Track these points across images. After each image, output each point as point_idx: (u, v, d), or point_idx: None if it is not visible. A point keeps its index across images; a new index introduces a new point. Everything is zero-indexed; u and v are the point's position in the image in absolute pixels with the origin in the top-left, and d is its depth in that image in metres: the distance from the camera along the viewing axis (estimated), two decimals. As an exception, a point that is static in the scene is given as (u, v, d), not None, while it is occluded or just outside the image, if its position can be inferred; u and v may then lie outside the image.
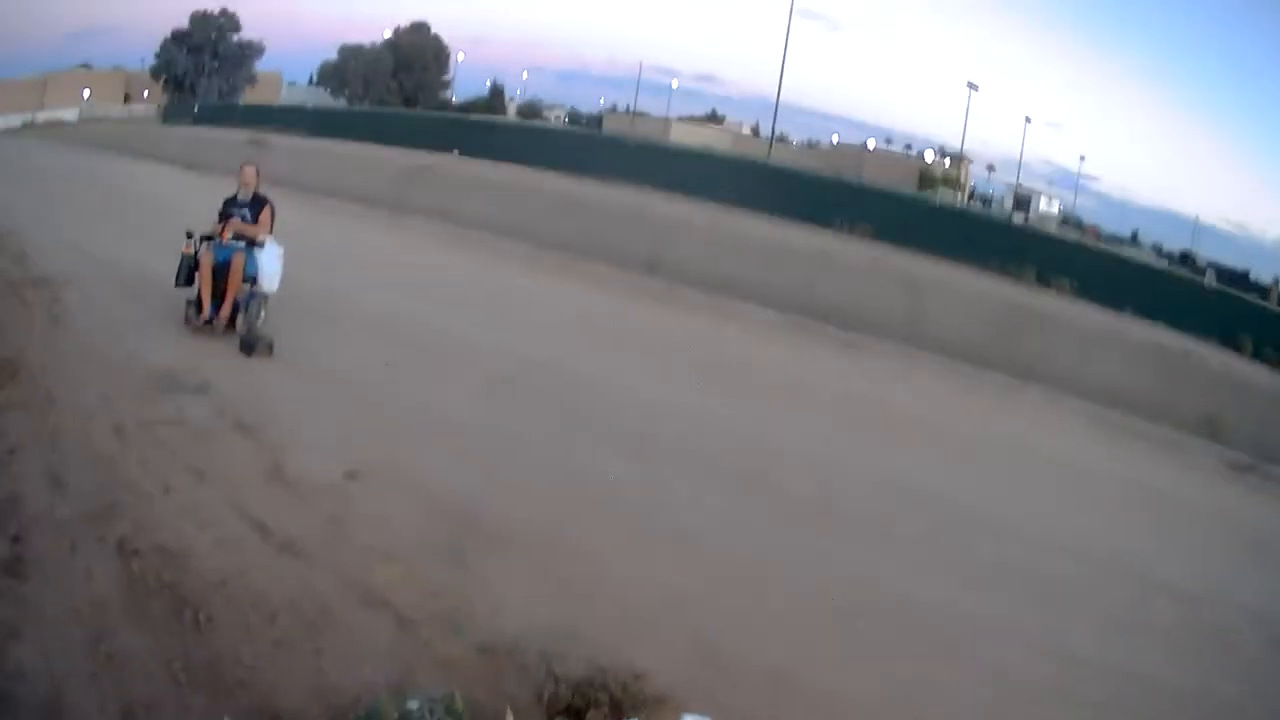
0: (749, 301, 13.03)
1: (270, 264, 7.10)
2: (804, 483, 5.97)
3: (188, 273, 7.09)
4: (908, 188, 41.67)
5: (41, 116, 45.00)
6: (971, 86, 53.70)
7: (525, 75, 72.31)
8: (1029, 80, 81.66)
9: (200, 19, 47.43)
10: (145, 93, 49.78)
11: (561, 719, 2.91)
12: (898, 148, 60.97)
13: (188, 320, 7.09)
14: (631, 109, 59.67)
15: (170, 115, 42.03)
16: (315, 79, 51.98)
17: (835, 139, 63.97)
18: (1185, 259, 35.26)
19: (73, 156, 26.17)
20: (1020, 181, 56.89)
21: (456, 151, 25.81)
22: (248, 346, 6.71)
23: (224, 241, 7.11)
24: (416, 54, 48.88)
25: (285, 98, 49.86)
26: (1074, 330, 13.65)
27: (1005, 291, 15.95)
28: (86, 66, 54.14)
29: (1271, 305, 22.06)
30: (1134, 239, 51.15)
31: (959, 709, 3.61)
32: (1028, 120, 56.71)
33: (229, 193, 7.47)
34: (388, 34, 49.88)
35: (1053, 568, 5.40)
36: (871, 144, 60.51)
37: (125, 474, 4.28)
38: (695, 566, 4.39)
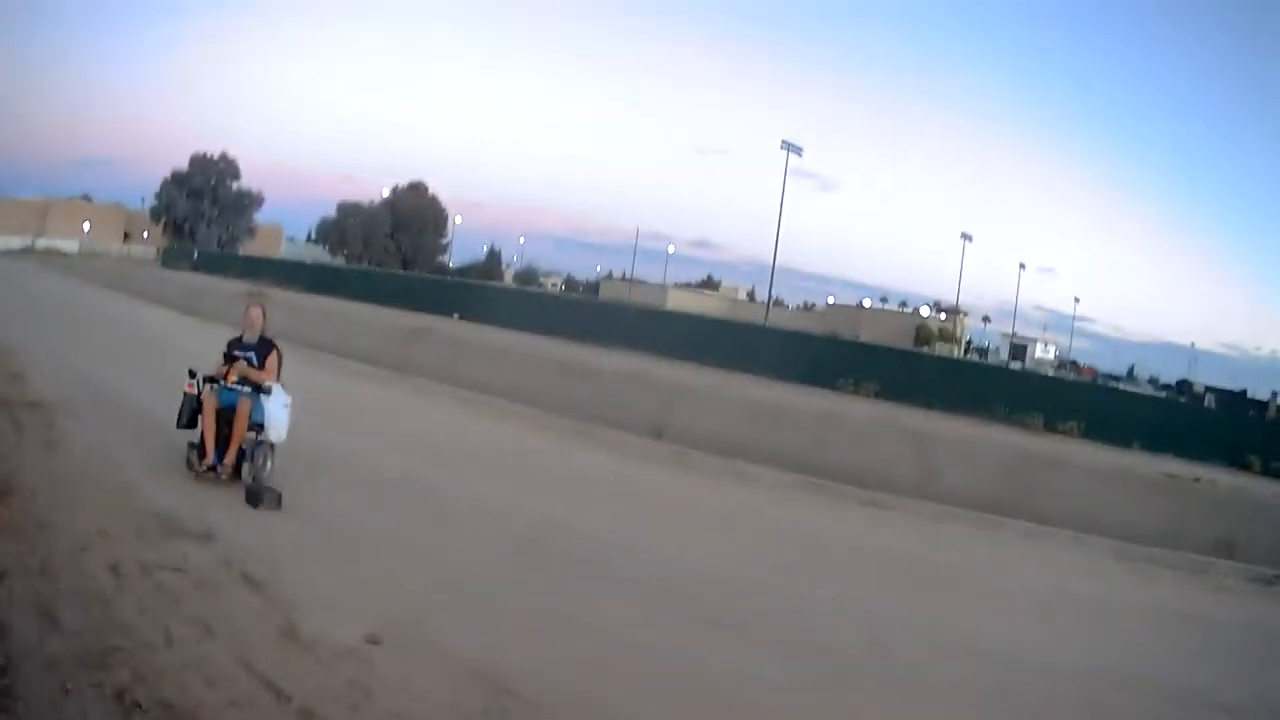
0: (761, 464, 12.85)
1: (277, 412, 6.65)
2: (853, 640, 5.59)
3: (190, 414, 6.62)
4: (905, 344, 42.39)
5: (42, 243, 45.52)
6: (965, 238, 55.78)
7: (522, 241, 74.65)
8: (1020, 227, 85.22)
9: (200, 162, 48.37)
10: (145, 234, 50.54)
11: None
12: (892, 305, 62.74)
13: (190, 465, 6.64)
14: (628, 275, 61.60)
15: (170, 259, 42.43)
16: (314, 235, 52.99)
17: (830, 300, 65.79)
18: (1182, 387, 35.61)
19: (74, 287, 26.57)
20: (1015, 330, 58.27)
21: (456, 315, 26.26)
22: (254, 497, 6.20)
23: (228, 384, 6.85)
24: (414, 214, 50.08)
25: (284, 252, 50.77)
26: (1086, 471, 13.48)
27: (1014, 439, 15.88)
28: (87, 197, 55.33)
29: (1274, 417, 22.17)
30: (1130, 374, 51.92)
31: None
32: (1021, 267, 57.91)
33: (233, 334, 7.18)
34: (386, 193, 51.12)
35: (1123, 704, 5.23)
36: (867, 303, 62.17)
37: (123, 617, 3.81)
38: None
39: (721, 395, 17.41)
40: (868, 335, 39.35)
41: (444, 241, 52.69)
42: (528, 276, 57.63)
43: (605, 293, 55.61)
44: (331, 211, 51.35)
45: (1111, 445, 16.40)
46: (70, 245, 46.84)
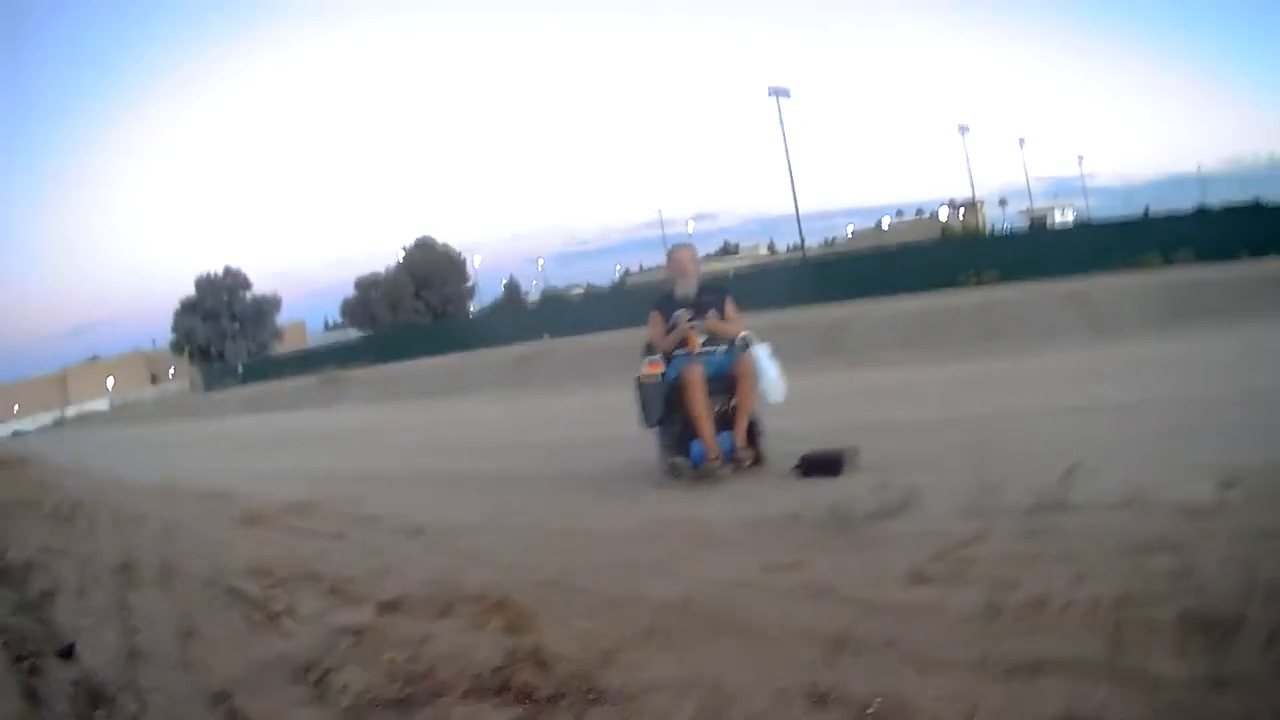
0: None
1: (769, 365, 5.00)
2: None
3: (663, 403, 4.99)
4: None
5: (71, 411, 44.10)
6: (962, 129, 54.65)
7: (541, 263, 73.51)
8: (1009, 103, 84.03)
9: (207, 283, 47.39)
10: (172, 370, 49.20)
11: None
12: (909, 217, 61.37)
13: (676, 471, 4.97)
14: (643, 268, 60.40)
15: (212, 381, 40.77)
16: (339, 317, 51.79)
17: (851, 229, 64.42)
18: (1200, 212, 34.39)
19: (139, 430, 25.24)
20: (1032, 205, 57.21)
21: (546, 335, 26.28)
22: (831, 464, 4.51)
23: (693, 349, 5.04)
24: (434, 269, 48.82)
25: (310, 342, 49.48)
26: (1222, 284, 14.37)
27: (1153, 279, 16.40)
28: (96, 358, 54.03)
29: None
30: (1145, 215, 50.84)
31: None
32: (1021, 143, 56.70)
33: (665, 295, 5.50)
34: (400, 257, 50.04)
35: None
36: (886, 222, 60.75)
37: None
38: None
39: (868, 317, 17.61)
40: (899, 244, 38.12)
41: (469, 285, 51.07)
42: (555, 296, 56.20)
43: (632, 286, 54.75)
44: (348, 292, 49.78)
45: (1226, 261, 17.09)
46: (100, 404, 45.46)
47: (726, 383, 4.94)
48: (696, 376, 4.85)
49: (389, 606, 3.28)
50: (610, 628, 2.72)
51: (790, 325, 17.78)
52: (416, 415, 15.76)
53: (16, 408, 46.00)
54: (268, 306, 48.52)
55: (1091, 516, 3.28)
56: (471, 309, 51.72)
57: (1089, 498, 3.45)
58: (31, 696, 2.80)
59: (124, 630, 3.64)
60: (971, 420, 6.18)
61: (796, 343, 16.09)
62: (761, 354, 4.99)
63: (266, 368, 38.36)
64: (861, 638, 2.40)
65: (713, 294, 5.38)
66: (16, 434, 36.30)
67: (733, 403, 4.94)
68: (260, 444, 13.81)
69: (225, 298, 46.99)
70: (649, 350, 5.24)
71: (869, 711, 1.96)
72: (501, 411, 13.89)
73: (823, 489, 4.26)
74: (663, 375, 5.06)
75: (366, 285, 48.84)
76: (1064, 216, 55.52)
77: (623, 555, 3.63)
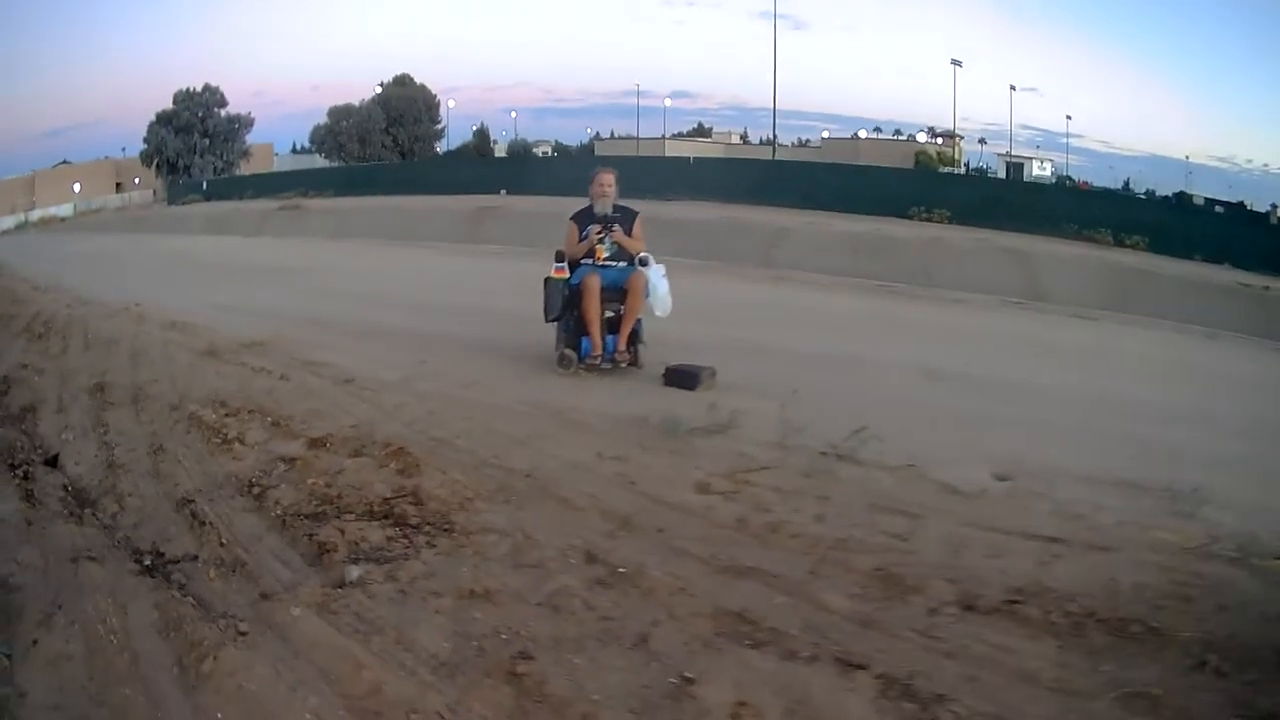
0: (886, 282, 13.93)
1: (660, 283, 5.94)
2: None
3: (563, 302, 5.92)
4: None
5: (35, 215, 43.44)
6: (955, 63, 53.93)
7: (514, 115, 71.58)
8: (1003, 48, 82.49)
9: (185, 97, 46.17)
10: (137, 179, 48.43)
11: None
12: (886, 135, 60.88)
13: (564, 362, 5.92)
14: (615, 135, 59.50)
15: (176, 195, 40.62)
16: (308, 143, 50.90)
17: (825, 134, 63.75)
18: (1181, 199, 34.99)
19: (103, 240, 25.33)
20: (1011, 150, 57.10)
21: (504, 191, 26.40)
22: (688, 379, 5.56)
23: (599, 260, 5.97)
24: (408, 106, 48.08)
25: (276, 165, 48.79)
26: (1168, 279, 15.53)
27: (1093, 253, 17.42)
28: (66, 162, 52.74)
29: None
30: (1126, 188, 51.21)
31: None
32: (1012, 88, 56.52)
33: (584, 209, 6.30)
34: (377, 90, 49.11)
35: None
36: (863, 134, 60.36)
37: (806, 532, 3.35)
38: None
39: (812, 231, 18.15)
40: (870, 164, 38.00)
41: (439, 128, 50.45)
42: (521, 147, 55.38)
43: (601, 151, 53.93)
44: (318, 120, 48.94)
45: (1176, 258, 18.14)
46: (65, 209, 44.78)
47: (619, 293, 5.87)
48: (594, 285, 5.76)
49: (317, 443, 4.29)
50: (473, 482, 3.75)
51: (737, 224, 18.56)
52: (368, 260, 16.65)
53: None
54: (240, 125, 47.59)
55: (864, 473, 3.98)
56: (439, 151, 51.22)
57: (874, 457, 4.14)
58: (28, 498, 3.76)
59: (101, 444, 4.61)
60: (840, 360, 7.11)
61: (735, 244, 17.01)
62: (654, 273, 5.91)
63: (230, 186, 38.21)
64: (641, 522, 3.37)
65: (624, 214, 6.20)
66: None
67: (621, 310, 5.90)
68: (220, 273, 14.46)
69: (200, 114, 45.93)
70: (559, 256, 6.09)
71: (620, 570, 2.94)
72: (447, 268, 14.69)
73: (673, 399, 5.24)
74: (566, 280, 5.98)
75: (339, 114, 48.10)
76: (1041, 169, 55.56)
77: (500, 426, 4.64)
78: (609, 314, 5.92)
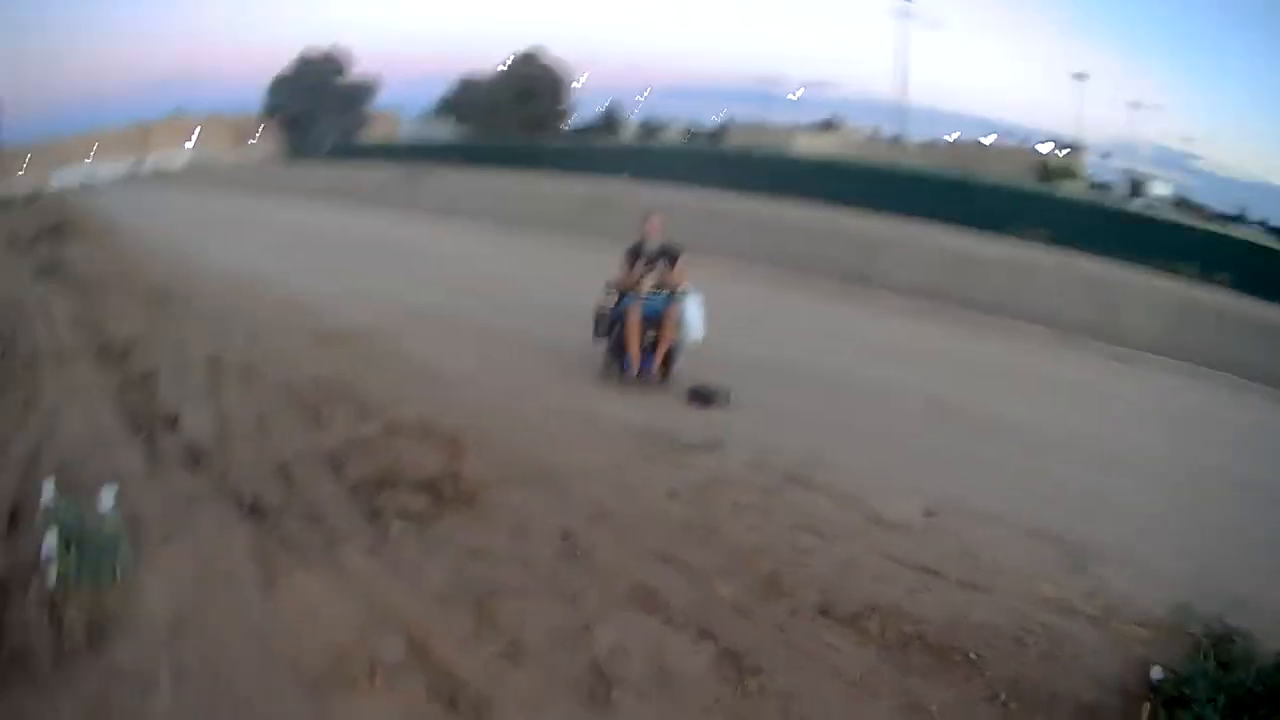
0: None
1: (694, 313, 7.02)
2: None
3: (609, 325, 7.09)
4: (1029, 182, 40.36)
5: (148, 165, 44.35)
6: (1079, 77, 52.17)
7: (647, 93, 71.60)
8: (1123, 62, 79.14)
9: (310, 59, 47.56)
10: (252, 139, 48.75)
11: None
12: (1012, 141, 59.37)
13: (607, 374, 7.10)
14: (747, 121, 59.27)
15: (294, 156, 42.05)
16: (435, 112, 52.35)
17: (953, 137, 62.36)
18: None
19: (217, 203, 25.56)
20: (1132, 166, 54.95)
21: (628, 174, 25.23)
22: (705, 397, 6.59)
23: (641, 293, 7.03)
24: (538, 81, 48.98)
25: (402, 133, 50.42)
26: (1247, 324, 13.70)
27: (1179, 290, 15.61)
28: (181, 112, 53.37)
29: None
30: (1241, 217, 48.80)
31: None
32: (1137, 106, 54.87)
33: (634, 245, 7.36)
34: (507, 62, 50.02)
35: None
36: (989, 140, 59.02)
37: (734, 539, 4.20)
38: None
39: (918, 246, 17.18)
40: (994, 172, 36.93)
41: (568, 104, 51.20)
42: (652, 128, 55.57)
43: (732, 139, 53.40)
44: (446, 88, 50.38)
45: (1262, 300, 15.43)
46: (177, 162, 45.66)
47: (658, 321, 6.98)
48: (634, 315, 6.93)
49: (391, 427, 5.47)
50: (504, 470, 4.87)
51: (830, 232, 17.76)
52: (475, 245, 17.48)
53: (92, 155, 44.83)
54: (364, 91, 49.27)
55: (811, 496, 4.74)
56: (567, 127, 51.86)
57: (827, 482, 4.92)
58: (152, 456, 4.98)
59: (215, 413, 5.80)
60: (862, 389, 7.57)
61: (817, 257, 16.42)
62: (690, 304, 7.00)
63: (350, 152, 39.67)
64: (614, 514, 4.41)
65: (672, 251, 7.28)
66: (86, 185, 36.23)
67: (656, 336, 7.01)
68: (330, 250, 15.20)
69: (325, 77, 47.71)
70: (610, 287, 7.23)
71: (581, 547, 4.01)
72: (552, 261, 15.28)
73: (686, 416, 6.28)
74: (614, 307, 7.11)
75: (468, 85, 49.48)
76: (1163, 190, 53.42)
77: (539, 426, 5.81)
78: (649, 336, 7.02)
